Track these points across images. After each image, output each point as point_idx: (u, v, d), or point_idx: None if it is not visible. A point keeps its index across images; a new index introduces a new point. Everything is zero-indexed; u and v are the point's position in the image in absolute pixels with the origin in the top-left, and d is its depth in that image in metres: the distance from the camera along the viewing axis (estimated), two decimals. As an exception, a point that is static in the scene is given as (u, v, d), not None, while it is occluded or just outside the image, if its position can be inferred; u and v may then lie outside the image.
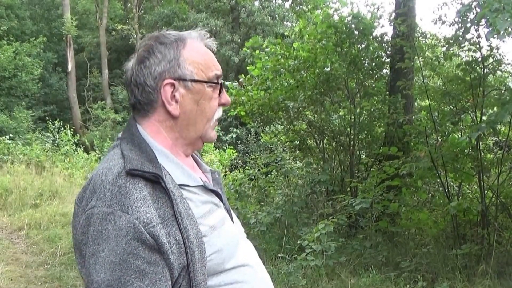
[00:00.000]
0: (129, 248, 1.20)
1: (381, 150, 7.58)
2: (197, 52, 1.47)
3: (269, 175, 10.43)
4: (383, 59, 8.26)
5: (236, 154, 16.52)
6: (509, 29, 5.39)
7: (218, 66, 1.51)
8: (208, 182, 1.54)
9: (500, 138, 6.83)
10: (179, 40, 1.45)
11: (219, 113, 1.52)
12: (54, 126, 17.55)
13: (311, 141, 9.37)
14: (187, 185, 1.40)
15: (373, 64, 8.24)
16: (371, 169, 8.13)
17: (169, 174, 1.36)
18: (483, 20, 5.66)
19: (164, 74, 1.40)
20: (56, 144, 16.71)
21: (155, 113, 1.43)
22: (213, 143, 15.47)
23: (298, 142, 9.46)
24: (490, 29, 5.11)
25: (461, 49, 6.73)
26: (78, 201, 1.35)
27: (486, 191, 6.32)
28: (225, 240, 1.41)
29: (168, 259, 1.24)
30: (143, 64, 1.41)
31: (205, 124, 1.48)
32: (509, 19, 4.67)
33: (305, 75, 8.29)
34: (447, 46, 6.76)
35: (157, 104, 1.42)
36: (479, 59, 6.31)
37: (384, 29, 13.76)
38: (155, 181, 1.29)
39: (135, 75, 1.42)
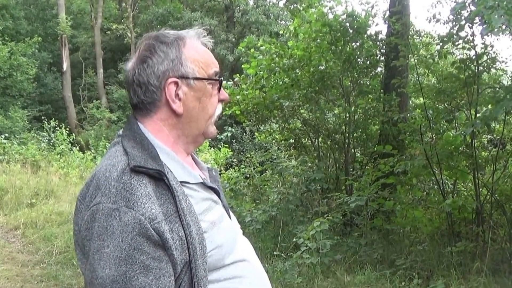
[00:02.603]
0: (134, 243, 1.21)
1: (376, 148, 7.60)
2: (196, 50, 1.49)
3: (264, 174, 10.42)
4: (378, 57, 8.28)
5: (231, 152, 16.48)
6: (503, 26, 5.41)
7: (217, 63, 1.53)
8: (207, 180, 1.56)
9: (494, 135, 6.85)
10: (179, 39, 1.47)
11: (219, 109, 1.55)
12: (49, 126, 17.53)
13: (306, 140, 9.38)
14: (188, 182, 1.42)
15: (368, 62, 8.26)
16: (366, 167, 8.15)
17: (171, 171, 1.38)
18: (477, 18, 5.68)
19: (168, 72, 1.42)
20: (51, 144, 16.69)
21: (158, 112, 1.44)
22: (208, 142, 15.50)
23: (293, 140, 9.47)
24: (484, 26, 5.13)
25: (455, 47, 6.77)
26: (81, 198, 1.36)
27: (481, 189, 6.35)
28: (224, 236, 1.43)
29: (172, 255, 1.26)
30: (145, 63, 1.43)
31: (207, 121, 1.50)
32: (503, 16, 4.69)
33: (299, 73, 8.28)
34: (441, 44, 6.78)
35: (161, 103, 1.43)
36: (474, 57, 6.34)
37: (379, 27, 13.84)
38: (158, 178, 1.31)
39: (138, 75, 1.43)
